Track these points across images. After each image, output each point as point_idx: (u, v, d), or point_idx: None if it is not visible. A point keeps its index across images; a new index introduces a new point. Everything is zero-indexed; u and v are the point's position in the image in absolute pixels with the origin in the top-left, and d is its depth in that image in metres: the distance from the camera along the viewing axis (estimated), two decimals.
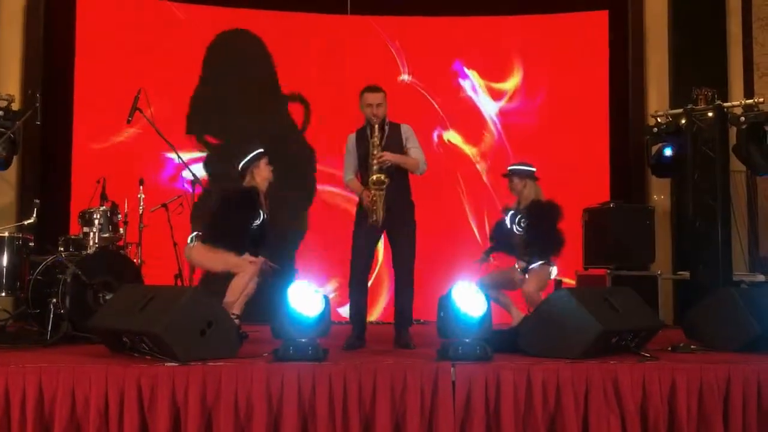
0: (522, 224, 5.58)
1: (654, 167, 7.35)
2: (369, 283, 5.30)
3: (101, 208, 5.63)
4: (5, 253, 5.23)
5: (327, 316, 3.95)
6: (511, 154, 7.96)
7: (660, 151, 7.20)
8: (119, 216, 5.79)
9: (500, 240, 5.75)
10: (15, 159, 6.53)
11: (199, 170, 7.39)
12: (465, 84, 8.25)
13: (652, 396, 3.71)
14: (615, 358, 3.98)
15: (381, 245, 5.54)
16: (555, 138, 8.03)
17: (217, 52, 7.94)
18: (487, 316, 4.03)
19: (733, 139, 6.82)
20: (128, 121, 5.93)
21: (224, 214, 5.11)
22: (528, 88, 8.23)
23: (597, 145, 8.07)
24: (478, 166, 8.18)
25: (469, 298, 4.00)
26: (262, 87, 8.00)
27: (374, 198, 4.86)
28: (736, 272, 6.83)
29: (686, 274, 7.03)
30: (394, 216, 4.95)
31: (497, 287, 5.50)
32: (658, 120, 7.30)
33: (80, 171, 7.39)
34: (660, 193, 7.83)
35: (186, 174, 6.50)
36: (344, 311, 6.36)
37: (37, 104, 5.74)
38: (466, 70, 8.25)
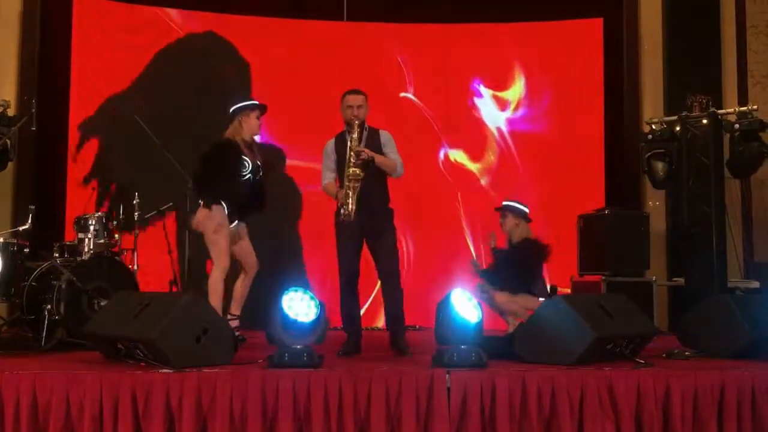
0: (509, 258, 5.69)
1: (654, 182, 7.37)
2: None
3: (96, 214, 5.62)
4: (0, 258, 5.22)
5: (322, 322, 3.94)
6: (518, 164, 8.02)
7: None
8: (114, 222, 5.78)
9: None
10: (10, 165, 6.53)
11: None
12: (473, 94, 8.27)
13: (646, 402, 3.72)
14: (610, 365, 3.98)
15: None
16: (550, 144, 8.06)
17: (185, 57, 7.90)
18: (480, 323, 4.03)
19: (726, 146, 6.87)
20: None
21: (204, 166, 5.10)
22: (530, 96, 8.25)
23: (592, 152, 8.10)
24: (482, 181, 8.20)
25: (464, 305, 4.01)
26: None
27: (347, 191, 4.80)
28: (730, 279, 6.85)
29: (681, 280, 7.05)
30: (372, 222, 4.91)
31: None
32: (653, 127, 7.32)
33: (76, 177, 7.39)
34: (655, 200, 7.85)
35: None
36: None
37: (33, 110, 5.73)
38: (481, 88, 8.25)
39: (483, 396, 3.66)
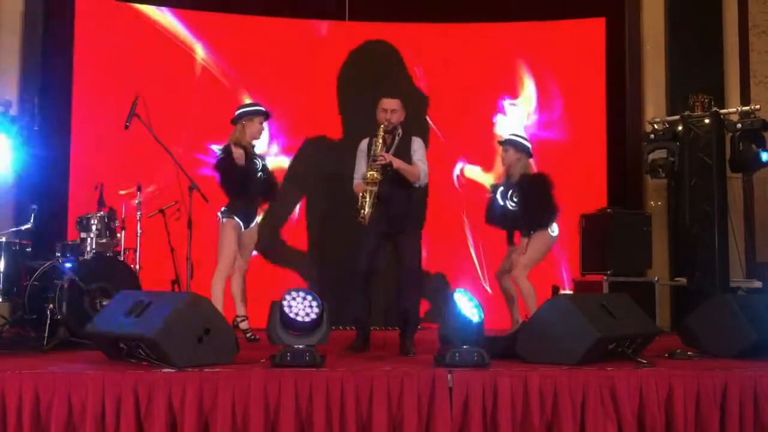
0: (515, 198, 5.60)
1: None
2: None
3: (99, 214, 5.63)
4: (2, 258, 5.21)
5: (325, 322, 3.94)
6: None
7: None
8: (116, 222, 5.79)
9: (496, 218, 5.77)
10: (12, 164, 6.52)
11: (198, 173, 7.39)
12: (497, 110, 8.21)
13: (648, 402, 3.72)
14: (612, 365, 3.98)
15: None
16: (551, 144, 8.04)
17: None
18: (481, 323, 4.03)
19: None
20: (126, 127, 5.93)
21: (224, 173, 5.48)
22: (541, 103, 8.21)
23: (594, 152, 8.08)
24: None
25: (466, 305, 4.00)
26: None
27: (364, 194, 4.82)
28: (733, 278, 6.86)
29: (683, 280, 7.04)
30: (394, 225, 4.94)
31: (505, 272, 5.67)
32: (655, 126, 7.31)
33: (78, 176, 7.39)
34: (657, 200, 7.85)
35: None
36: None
37: (35, 109, 5.73)
38: (508, 104, 8.20)
39: (485, 396, 3.67)
